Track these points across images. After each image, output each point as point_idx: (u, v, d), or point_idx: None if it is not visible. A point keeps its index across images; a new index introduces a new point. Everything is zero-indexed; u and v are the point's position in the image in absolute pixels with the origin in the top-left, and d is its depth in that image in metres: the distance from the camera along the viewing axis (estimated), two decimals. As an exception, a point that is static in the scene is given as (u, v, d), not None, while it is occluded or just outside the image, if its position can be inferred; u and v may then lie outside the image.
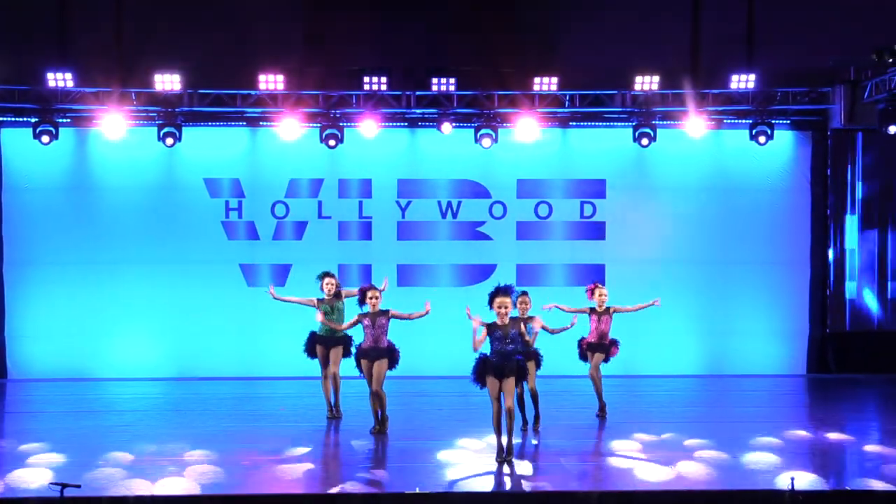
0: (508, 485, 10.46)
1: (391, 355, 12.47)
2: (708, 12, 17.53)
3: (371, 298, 12.40)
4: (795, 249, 17.38)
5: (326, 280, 13.36)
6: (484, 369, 11.11)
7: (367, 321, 12.44)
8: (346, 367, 13.15)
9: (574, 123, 17.21)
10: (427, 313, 12.34)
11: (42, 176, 16.85)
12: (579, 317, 13.31)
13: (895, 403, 14.95)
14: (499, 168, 17.22)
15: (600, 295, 13.43)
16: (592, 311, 13.48)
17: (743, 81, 16.42)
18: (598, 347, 13.49)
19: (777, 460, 11.32)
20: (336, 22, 17.03)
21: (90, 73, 16.31)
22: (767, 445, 12.03)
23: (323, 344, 13.35)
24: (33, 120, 16.22)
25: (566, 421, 13.39)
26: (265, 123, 16.97)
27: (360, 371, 12.54)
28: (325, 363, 13.40)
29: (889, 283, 17.36)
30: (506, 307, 11.02)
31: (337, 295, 13.34)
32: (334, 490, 10.20)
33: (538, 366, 12.81)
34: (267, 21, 17.16)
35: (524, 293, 12.58)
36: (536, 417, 12.83)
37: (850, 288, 17.34)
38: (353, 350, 12.86)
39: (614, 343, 13.58)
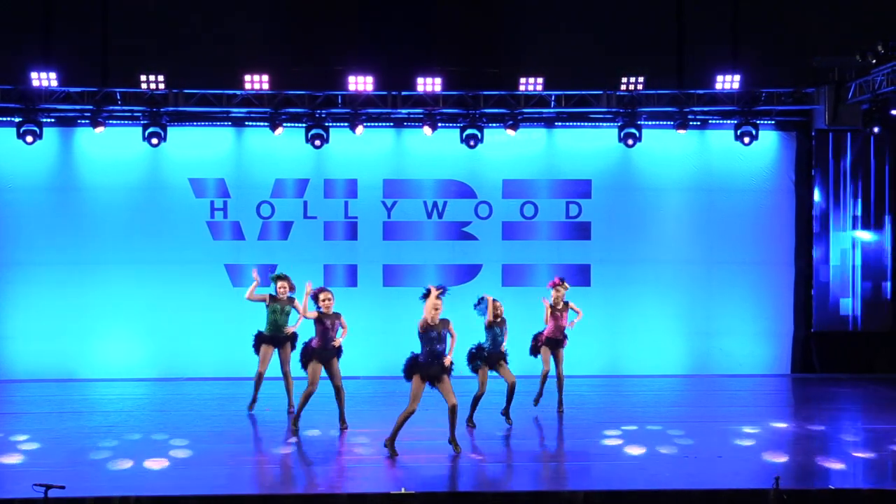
0: (494, 484, 10.46)
1: (339, 353, 12.65)
2: (693, 13, 17.59)
3: (324, 300, 12.46)
4: (780, 249, 17.45)
5: (280, 283, 13.58)
6: (413, 368, 11.40)
7: (318, 323, 12.46)
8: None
9: (560, 124, 17.24)
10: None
11: (26, 176, 16.78)
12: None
13: (878, 403, 15.01)
14: (484, 168, 17.23)
15: (557, 291, 13.55)
16: (552, 307, 13.60)
17: (728, 82, 16.47)
18: (557, 343, 13.60)
19: (762, 459, 11.36)
20: (321, 21, 17.03)
21: (74, 73, 16.27)
22: (752, 445, 12.07)
23: (270, 343, 13.58)
24: (17, 119, 16.16)
25: (552, 421, 13.41)
26: (250, 123, 16.96)
27: (305, 369, 12.58)
28: (265, 361, 13.62)
29: (873, 284, 17.43)
30: (437, 308, 11.28)
31: (289, 300, 13.58)
32: (320, 489, 10.20)
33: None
34: (252, 21, 17.15)
35: (495, 299, 12.80)
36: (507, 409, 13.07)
37: (835, 288, 17.41)
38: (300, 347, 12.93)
39: (565, 336, 13.71)
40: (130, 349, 16.86)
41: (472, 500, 10.07)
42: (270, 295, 13.62)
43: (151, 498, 9.86)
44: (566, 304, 13.68)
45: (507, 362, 12.83)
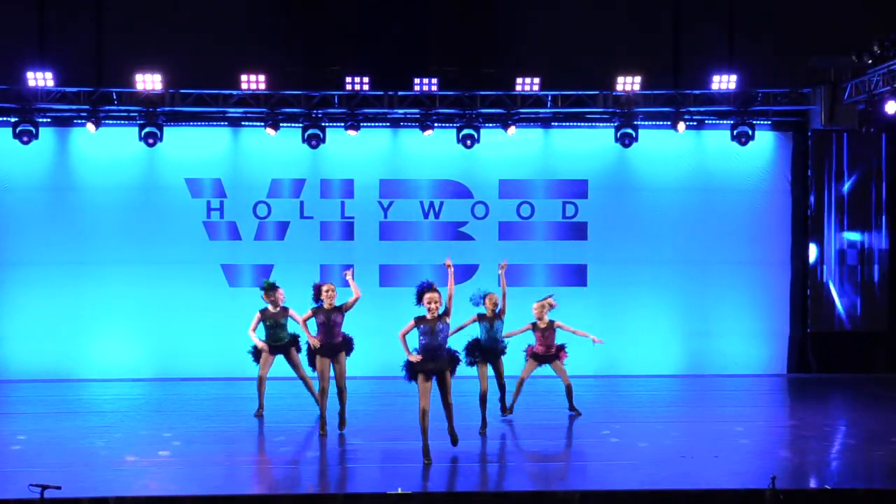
0: (490, 484, 10.46)
1: (347, 346, 12.47)
2: (689, 13, 17.59)
3: (327, 291, 12.31)
4: (776, 249, 17.46)
5: (269, 296, 13.32)
6: (413, 368, 11.11)
7: (321, 318, 12.34)
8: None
9: (556, 124, 17.25)
10: (357, 297, 12.31)
11: (22, 176, 16.77)
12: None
13: (875, 403, 15.03)
14: (481, 168, 17.24)
15: (542, 309, 13.22)
16: (535, 326, 13.31)
17: (724, 82, 16.49)
18: (546, 358, 13.30)
19: (758, 459, 11.36)
20: (318, 21, 17.02)
21: (70, 73, 16.25)
22: (748, 445, 12.07)
23: (271, 352, 13.36)
24: (13, 120, 16.15)
25: (547, 421, 13.40)
26: (247, 123, 16.95)
27: (313, 368, 12.48)
28: (266, 365, 13.40)
29: (868, 283, 17.44)
30: (435, 302, 11.03)
31: (283, 310, 13.35)
32: (316, 490, 10.19)
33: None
34: (248, 21, 17.15)
35: (490, 293, 12.66)
36: (502, 401, 13.00)
37: (830, 288, 17.43)
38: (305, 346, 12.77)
39: (561, 348, 13.36)
40: (126, 349, 16.85)
41: (469, 500, 10.06)
42: (261, 311, 13.39)
43: (147, 498, 9.84)
44: (550, 323, 13.21)
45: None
